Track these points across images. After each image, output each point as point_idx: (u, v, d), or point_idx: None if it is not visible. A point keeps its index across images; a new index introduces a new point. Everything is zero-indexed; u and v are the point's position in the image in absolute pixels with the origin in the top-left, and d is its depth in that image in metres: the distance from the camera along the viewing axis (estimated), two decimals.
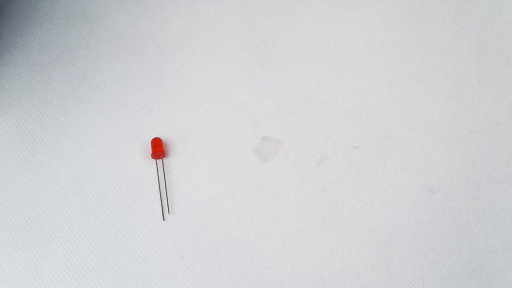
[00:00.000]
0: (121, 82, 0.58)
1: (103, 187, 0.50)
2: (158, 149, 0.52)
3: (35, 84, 0.56)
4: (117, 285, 0.45)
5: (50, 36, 0.61)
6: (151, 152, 0.52)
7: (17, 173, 0.50)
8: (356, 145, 0.55)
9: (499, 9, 0.68)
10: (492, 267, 0.49)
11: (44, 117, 0.54)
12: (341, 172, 0.53)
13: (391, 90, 0.59)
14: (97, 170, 0.51)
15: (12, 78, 0.57)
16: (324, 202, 0.51)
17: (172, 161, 0.53)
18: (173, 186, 0.51)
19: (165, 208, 0.50)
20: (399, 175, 0.53)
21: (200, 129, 0.55)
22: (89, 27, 0.62)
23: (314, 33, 0.64)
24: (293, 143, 0.55)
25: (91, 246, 0.47)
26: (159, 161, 0.52)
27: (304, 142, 0.55)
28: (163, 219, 0.49)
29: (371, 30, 0.65)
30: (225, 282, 0.46)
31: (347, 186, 0.52)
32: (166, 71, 0.59)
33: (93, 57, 0.59)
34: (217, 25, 0.63)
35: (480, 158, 0.55)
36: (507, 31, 0.66)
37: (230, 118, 0.56)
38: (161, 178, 0.51)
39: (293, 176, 0.53)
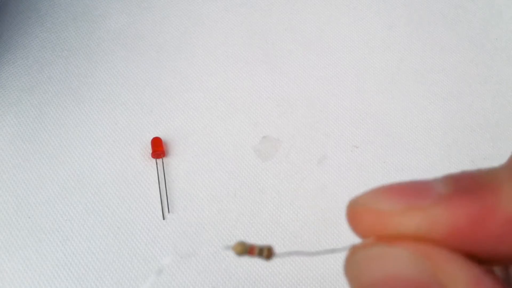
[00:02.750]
0: (121, 82, 0.58)
1: (103, 187, 0.50)
2: (158, 148, 0.52)
3: (35, 84, 0.56)
4: (117, 285, 0.45)
5: (50, 35, 0.60)
6: (151, 152, 0.52)
7: (17, 172, 0.50)
8: (356, 144, 0.55)
9: (499, 9, 0.68)
10: None
11: (44, 117, 0.54)
12: (341, 172, 0.53)
13: (391, 89, 0.59)
14: (97, 170, 0.51)
15: (12, 78, 0.57)
16: (324, 201, 0.51)
17: (172, 161, 0.53)
18: (173, 186, 0.51)
19: (165, 208, 0.50)
20: (399, 175, 0.53)
21: (200, 128, 0.55)
22: (89, 27, 0.62)
23: (314, 33, 0.64)
24: (293, 143, 0.55)
25: (91, 246, 0.47)
26: (159, 161, 0.52)
27: (304, 142, 0.55)
28: (163, 219, 0.49)
29: (371, 30, 0.65)
30: (225, 282, 0.46)
31: (347, 185, 0.52)
32: (166, 71, 0.59)
33: (93, 57, 0.59)
34: (217, 25, 0.63)
35: (480, 157, 0.55)
36: (507, 31, 0.66)
37: (230, 118, 0.56)
38: (161, 178, 0.51)
39: (293, 176, 0.53)
